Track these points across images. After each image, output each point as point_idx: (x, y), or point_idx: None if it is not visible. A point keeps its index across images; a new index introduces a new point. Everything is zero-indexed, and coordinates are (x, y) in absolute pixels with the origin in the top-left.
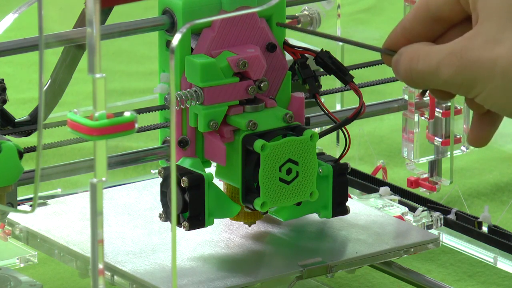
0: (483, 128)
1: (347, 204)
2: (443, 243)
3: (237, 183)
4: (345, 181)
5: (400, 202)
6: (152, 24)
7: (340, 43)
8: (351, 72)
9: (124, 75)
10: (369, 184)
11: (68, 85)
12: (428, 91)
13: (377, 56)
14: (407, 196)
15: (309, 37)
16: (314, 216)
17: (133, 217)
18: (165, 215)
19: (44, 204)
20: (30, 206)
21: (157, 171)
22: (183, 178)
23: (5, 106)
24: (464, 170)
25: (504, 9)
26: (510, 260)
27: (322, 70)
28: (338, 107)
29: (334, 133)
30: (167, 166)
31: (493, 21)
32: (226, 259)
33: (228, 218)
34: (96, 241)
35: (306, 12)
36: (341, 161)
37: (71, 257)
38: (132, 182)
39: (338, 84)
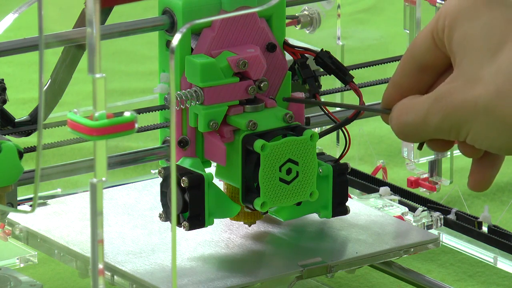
0: (483, 172)
1: (347, 204)
2: (443, 243)
3: (237, 183)
4: (345, 181)
5: (400, 202)
6: (152, 24)
7: (341, 43)
8: (351, 72)
9: (124, 75)
10: (369, 184)
11: (68, 85)
12: (424, 144)
13: (377, 56)
14: (407, 196)
15: (309, 37)
16: (314, 216)
17: (133, 217)
18: (165, 215)
19: (44, 204)
20: (30, 206)
21: (157, 171)
22: (183, 178)
23: (5, 106)
24: (464, 170)
25: (478, 45)
26: (510, 260)
27: (322, 70)
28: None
29: (334, 133)
30: (167, 166)
31: (470, 59)
32: (226, 259)
33: (228, 218)
34: (96, 241)
35: (306, 12)
36: (341, 161)
37: (71, 257)
38: (132, 182)
39: (338, 84)
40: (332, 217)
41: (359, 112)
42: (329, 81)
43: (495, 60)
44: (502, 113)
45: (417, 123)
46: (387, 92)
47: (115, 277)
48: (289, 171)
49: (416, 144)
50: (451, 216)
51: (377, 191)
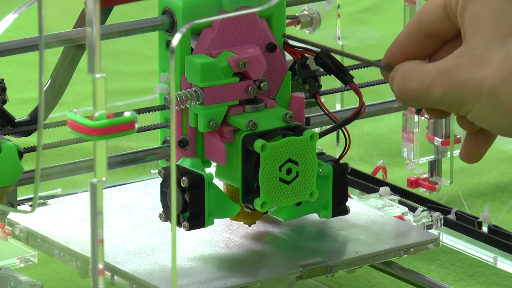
0: (476, 145)
1: (347, 204)
2: (443, 243)
3: (237, 183)
4: (345, 181)
5: (400, 202)
6: (152, 24)
7: (341, 43)
8: (351, 72)
9: (124, 75)
10: (369, 184)
11: (68, 85)
12: (423, 109)
13: (377, 56)
14: (407, 196)
15: (309, 37)
16: (314, 216)
17: (133, 217)
18: (165, 215)
19: (44, 204)
20: (30, 206)
21: (157, 171)
22: (183, 178)
23: (5, 106)
24: (464, 170)
25: (490, 25)
26: (510, 260)
27: (322, 70)
28: (338, 107)
29: (334, 133)
30: (167, 166)
31: (480, 39)
32: (226, 259)
33: (228, 218)
34: (96, 241)
35: (306, 12)
36: (341, 161)
37: (71, 257)
38: (132, 182)
39: (338, 84)
40: (332, 217)
41: (359, 112)
42: (329, 81)
43: (505, 44)
44: (506, 97)
45: (419, 92)
46: (390, 50)
47: (115, 277)
48: (289, 171)
49: (417, 145)
50: (451, 216)
51: (377, 191)
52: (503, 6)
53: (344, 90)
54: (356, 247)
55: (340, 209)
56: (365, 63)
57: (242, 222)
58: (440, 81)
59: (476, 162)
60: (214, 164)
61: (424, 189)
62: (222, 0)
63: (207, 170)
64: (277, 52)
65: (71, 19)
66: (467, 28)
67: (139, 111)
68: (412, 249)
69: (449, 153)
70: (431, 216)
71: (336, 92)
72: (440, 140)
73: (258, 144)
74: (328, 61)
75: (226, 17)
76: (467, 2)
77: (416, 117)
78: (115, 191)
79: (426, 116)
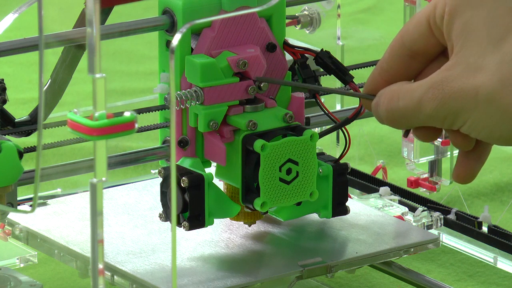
0: (469, 165)
1: (347, 204)
2: (443, 243)
3: (237, 183)
4: (345, 181)
5: (400, 202)
6: (152, 24)
7: (341, 43)
8: (351, 72)
9: (124, 75)
10: (369, 184)
11: (68, 85)
12: (410, 131)
13: (377, 56)
14: (407, 196)
15: (309, 37)
16: (314, 216)
17: (133, 217)
18: (165, 215)
19: (44, 204)
20: (30, 206)
21: (157, 171)
22: (183, 178)
23: (5, 106)
24: None
25: (482, 33)
26: (510, 260)
27: (322, 70)
28: (338, 107)
29: (334, 133)
30: (167, 166)
31: (472, 47)
32: (226, 259)
33: (228, 218)
34: (96, 241)
35: (306, 12)
36: (341, 161)
37: (71, 257)
38: (132, 182)
39: (338, 84)
40: (332, 217)
41: (359, 112)
42: (329, 81)
43: (499, 49)
44: (505, 102)
45: (409, 110)
46: (372, 77)
47: (115, 277)
48: (289, 171)
49: (417, 145)
50: (451, 216)
51: (377, 191)
52: (491, 13)
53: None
54: (356, 247)
55: (340, 209)
56: (346, 95)
57: (242, 222)
58: (432, 95)
59: (469, 183)
60: (214, 164)
61: (424, 189)
62: (222, 0)
63: (207, 170)
64: (277, 52)
65: (71, 19)
66: (456, 40)
67: (139, 111)
68: (412, 249)
69: (449, 153)
70: (431, 216)
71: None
72: (440, 140)
73: (258, 144)
74: (328, 61)
75: (226, 17)
76: (454, 15)
77: None
78: (115, 191)
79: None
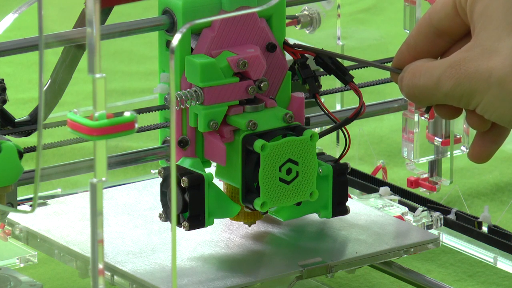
0: (485, 145)
1: (347, 204)
2: (443, 243)
3: (237, 183)
4: (345, 181)
5: (400, 202)
6: (152, 24)
7: (341, 43)
8: (351, 72)
9: (124, 75)
10: (369, 184)
11: (68, 85)
12: (432, 108)
13: (377, 56)
14: (407, 196)
15: (309, 37)
16: (314, 216)
17: (133, 217)
18: (165, 215)
19: (44, 204)
20: (30, 206)
21: (157, 171)
22: (183, 178)
23: (5, 106)
24: (464, 170)
25: (499, 18)
26: (510, 260)
27: (322, 70)
28: (338, 107)
29: (334, 133)
30: (167, 166)
31: (489, 31)
32: (226, 259)
33: (228, 218)
34: (96, 241)
35: (306, 12)
36: (341, 161)
37: (71, 257)
38: (132, 182)
39: (338, 84)
40: (332, 217)
41: (359, 112)
42: (329, 81)
43: None
44: None
45: (429, 87)
46: (400, 52)
47: (115, 277)
48: (289, 171)
49: (417, 145)
50: (451, 216)
51: (377, 191)
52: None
53: (344, 90)
54: (356, 247)
55: (340, 209)
56: (376, 67)
57: (242, 222)
58: (450, 74)
59: (484, 163)
60: (214, 164)
61: (424, 189)
62: (222, 0)
63: (207, 170)
64: (277, 52)
65: (71, 19)
66: (477, 22)
67: (139, 111)
68: (412, 249)
69: (449, 153)
70: (431, 216)
71: (336, 92)
72: (440, 140)
73: (258, 144)
74: (328, 61)
75: (226, 17)
76: None
77: (416, 117)
78: (115, 191)
79: (426, 116)
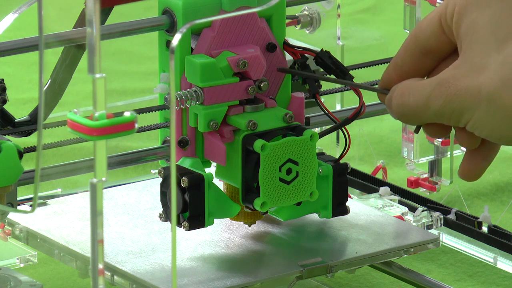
0: (475, 163)
1: (347, 204)
2: (443, 243)
3: (237, 183)
4: (345, 181)
5: (400, 202)
6: (152, 24)
7: (341, 43)
8: (351, 72)
9: (124, 75)
10: (369, 184)
11: (68, 85)
12: (421, 128)
13: (377, 56)
14: (407, 196)
15: (309, 37)
16: (314, 216)
17: (133, 217)
18: (165, 215)
19: (44, 204)
20: (30, 206)
21: (157, 171)
22: (183, 178)
23: (5, 106)
24: None
25: (486, 33)
26: (510, 260)
27: (322, 70)
28: (338, 107)
29: (334, 133)
30: (167, 166)
31: (477, 47)
32: (226, 259)
33: (228, 218)
34: (96, 241)
35: (306, 12)
36: (341, 161)
37: (71, 257)
38: (132, 182)
39: (338, 84)
40: (332, 217)
41: (359, 112)
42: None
43: (502, 50)
44: (505, 102)
45: (418, 106)
46: (386, 72)
47: (115, 277)
48: (289, 171)
49: (417, 145)
50: (451, 216)
51: (377, 191)
52: (497, 14)
53: (344, 90)
54: (356, 247)
55: (340, 209)
56: (363, 88)
57: (242, 222)
58: (439, 93)
59: (475, 180)
60: (214, 164)
61: (424, 189)
62: (222, 0)
63: (207, 170)
64: (277, 52)
65: (71, 19)
66: (463, 39)
67: (139, 111)
68: (412, 249)
69: (449, 153)
70: (431, 216)
71: (336, 92)
72: (440, 140)
73: (258, 144)
74: (328, 61)
75: (226, 17)
76: (463, 14)
77: None
78: (115, 191)
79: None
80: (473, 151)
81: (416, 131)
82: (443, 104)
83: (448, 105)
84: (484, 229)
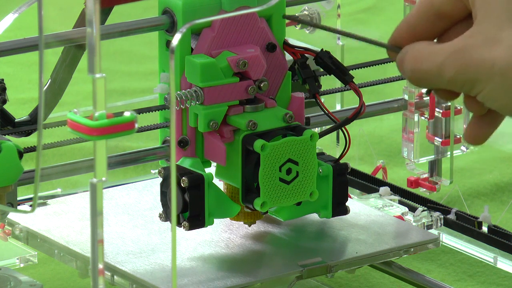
0: (482, 127)
1: (347, 204)
2: (443, 243)
3: (237, 183)
4: (345, 181)
5: (400, 202)
6: (152, 24)
7: (341, 43)
8: (351, 72)
9: (124, 75)
10: (369, 184)
11: (68, 85)
12: (432, 91)
13: (377, 56)
14: (407, 196)
15: (309, 37)
16: (314, 216)
17: (133, 217)
18: (165, 215)
19: (44, 204)
20: (30, 206)
21: (157, 171)
22: (183, 178)
23: (5, 106)
24: (464, 170)
25: (501, 7)
26: (510, 260)
27: (322, 70)
28: (338, 107)
29: (334, 133)
30: (167, 166)
31: (491, 19)
32: (226, 259)
33: (228, 218)
34: (96, 241)
35: (306, 12)
36: (341, 161)
37: (71, 257)
38: (132, 182)
39: (338, 84)
40: (332, 217)
41: (359, 112)
42: (329, 81)
43: None
44: None
45: (432, 72)
46: (398, 30)
47: (115, 277)
48: (289, 171)
49: (417, 145)
50: (451, 216)
51: (377, 191)
52: None
53: (344, 90)
54: (356, 247)
55: (340, 209)
56: (371, 43)
57: (242, 222)
58: (453, 61)
59: (479, 144)
60: (214, 164)
61: (424, 189)
62: (222, 0)
63: (207, 170)
64: (277, 52)
65: (71, 19)
66: (479, 9)
67: (139, 111)
68: (412, 249)
69: (449, 153)
70: (431, 216)
71: (336, 92)
72: (440, 140)
73: (258, 144)
74: (328, 61)
75: (226, 17)
76: None
77: (416, 117)
78: (115, 191)
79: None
80: (480, 116)
81: (427, 93)
82: (456, 73)
83: (461, 75)
84: (484, 229)
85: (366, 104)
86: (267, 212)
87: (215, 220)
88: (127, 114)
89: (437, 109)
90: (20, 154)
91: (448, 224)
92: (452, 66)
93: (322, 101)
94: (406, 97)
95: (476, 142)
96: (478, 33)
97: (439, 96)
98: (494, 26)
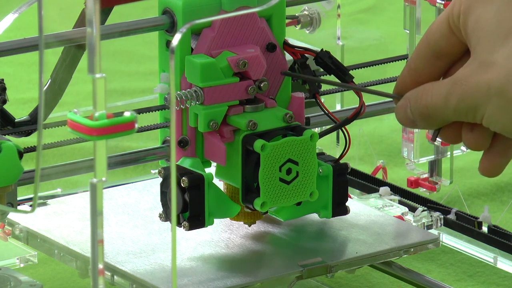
0: (494, 159)
1: (347, 204)
2: (443, 243)
3: (237, 183)
4: (345, 181)
5: (400, 202)
6: (152, 24)
7: (341, 43)
8: (351, 72)
9: (124, 75)
10: (369, 184)
11: (68, 85)
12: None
13: (377, 56)
14: (407, 196)
15: (309, 37)
16: (314, 216)
17: (133, 217)
18: (165, 215)
19: (44, 204)
20: (30, 206)
21: (157, 171)
22: (183, 178)
23: (5, 106)
24: (464, 170)
25: (490, 29)
26: (510, 260)
27: (322, 70)
28: (338, 107)
29: (334, 133)
30: (167, 166)
31: (484, 44)
32: (226, 259)
33: (228, 218)
34: (96, 241)
35: (306, 12)
36: (341, 161)
37: (71, 257)
38: (132, 182)
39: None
40: (332, 217)
41: (359, 112)
42: None
43: (507, 44)
44: None
45: (438, 105)
46: (401, 78)
47: (115, 277)
48: (289, 171)
49: (417, 145)
50: (451, 216)
51: (377, 191)
52: (500, 9)
53: (344, 90)
54: (356, 247)
55: (340, 209)
56: (377, 95)
57: (242, 222)
58: (454, 91)
59: (496, 176)
60: (214, 164)
61: (424, 189)
62: (222, 0)
63: (207, 170)
64: (277, 52)
65: (71, 19)
66: (471, 37)
67: (139, 111)
68: (412, 249)
69: (449, 153)
70: (431, 216)
71: (336, 92)
72: (440, 140)
73: (258, 144)
74: (328, 61)
75: (226, 17)
76: (468, 12)
77: None
78: (115, 191)
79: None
80: (490, 147)
81: (434, 138)
82: (458, 102)
83: (462, 103)
84: (484, 229)
85: (366, 104)
86: (267, 212)
87: (215, 220)
88: (127, 114)
89: None
90: (20, 154)
91: (448, 224)
92: (454, 95)
93: (322, 101)
94: None
95: (492, 175)
96: (473, 60)
97: (445, 138)
98: (487, 49)
